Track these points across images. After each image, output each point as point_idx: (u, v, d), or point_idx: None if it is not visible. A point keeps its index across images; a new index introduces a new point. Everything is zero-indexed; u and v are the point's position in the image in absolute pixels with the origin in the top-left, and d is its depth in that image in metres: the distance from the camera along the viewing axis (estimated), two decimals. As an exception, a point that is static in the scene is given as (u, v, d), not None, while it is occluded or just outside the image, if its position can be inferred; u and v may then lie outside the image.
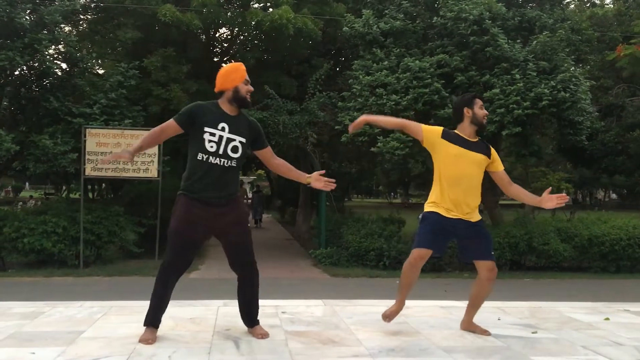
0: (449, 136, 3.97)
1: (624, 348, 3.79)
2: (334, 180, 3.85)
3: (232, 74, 3.72)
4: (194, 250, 3.79)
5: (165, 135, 3.75)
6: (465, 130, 4.03)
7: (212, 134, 3.60)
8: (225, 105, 3.71)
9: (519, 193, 4.08)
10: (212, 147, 3.59)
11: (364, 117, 4.06)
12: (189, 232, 3.64)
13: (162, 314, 3.77)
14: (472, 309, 4.14)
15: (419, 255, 3.88)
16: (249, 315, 3.93)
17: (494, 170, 4.07)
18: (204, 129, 3.60)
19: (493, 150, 4.14)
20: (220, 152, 3.60)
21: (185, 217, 3.63)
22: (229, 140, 3.62)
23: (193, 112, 3.66)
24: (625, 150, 19.05)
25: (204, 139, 3.59)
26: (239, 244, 3.79)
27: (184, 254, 3.70)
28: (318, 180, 3.84)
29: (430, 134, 3.99)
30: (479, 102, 4.07)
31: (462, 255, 4.26)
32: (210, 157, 3.60)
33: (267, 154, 3.91)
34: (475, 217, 3.99)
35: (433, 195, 4.01)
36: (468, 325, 4.14)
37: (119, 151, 3.62)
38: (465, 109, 4.04)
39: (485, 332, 4.06)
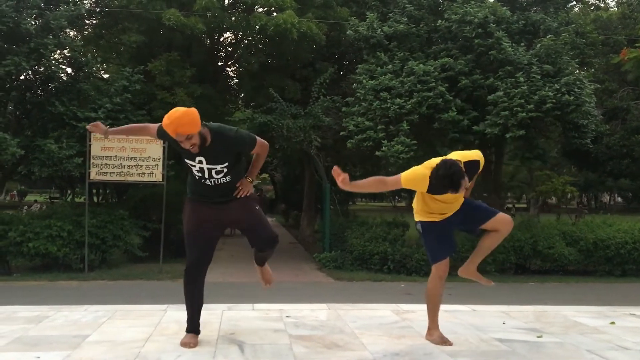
0: (434, 188, 3.67)
1: (630, 352, 3.77)
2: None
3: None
4: (209, 246, 3.84)
5: (144, 134, 4.03)
6: None
7: (193, 165, 3.63)
8: None
9: None
10: (199, 173, 3.65)
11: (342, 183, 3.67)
12: (200, 230, 3.76)
13: (198, 317, 3.85)
14: (479, 256, 4.11)
15: (444, 267, 3.89)
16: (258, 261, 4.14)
17: None
18: (184, 159, 3.65)
19: (481, 163, 3.87)
20: (207, 176, 3.64)
21: (193, 217, 3.77)
22: (211, 169, 3.61)
23: (165, 135, 3.54)
24: (630, 153, 18.97)
25: (189, 166, 3.66)
26: (253, 224, 3.84)
27: (200, 252, 3.79)
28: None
29: (410, 185, 3.75)
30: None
31: (470, 231, 4.20)
32: (202, 179, 3.67)
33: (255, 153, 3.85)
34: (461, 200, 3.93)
35: (418, 206, 3.98)
36: (469, 273, 4.15)
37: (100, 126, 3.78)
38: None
39: (489, 282, 4.19)
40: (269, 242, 3.90)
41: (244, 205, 3.79)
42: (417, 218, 4.02)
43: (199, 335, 3.85)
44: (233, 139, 3.59)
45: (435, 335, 3.87)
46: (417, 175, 3.71)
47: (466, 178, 3.56)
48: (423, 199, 3.92)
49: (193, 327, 3.81)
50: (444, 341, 3.81)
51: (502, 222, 3.94)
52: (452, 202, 3.86)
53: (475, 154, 3.85)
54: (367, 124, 11.89)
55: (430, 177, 3.60)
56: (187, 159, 3.63)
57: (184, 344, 3.68)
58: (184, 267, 3.84)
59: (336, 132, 13.28)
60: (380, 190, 3.98)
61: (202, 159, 3.57)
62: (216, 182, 3.66)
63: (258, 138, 3.78)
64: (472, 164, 3.76)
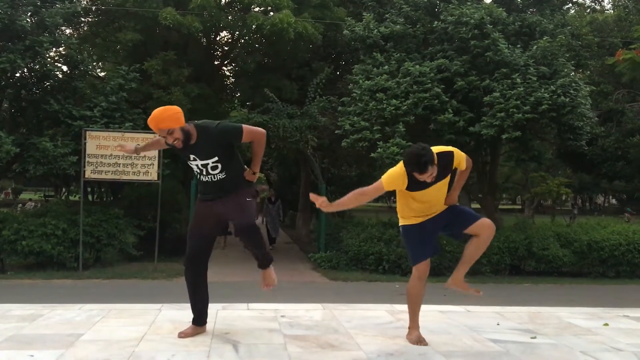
0: (412, 184, 3.76)
1: (623, 354, 3.78)
2: None
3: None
4: (205, 241, 3.95)
5: (160, 145, 4.09)
6: None
7: (191, 164, 3.83)
8: None
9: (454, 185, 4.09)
10: (197, 171, 3.83)
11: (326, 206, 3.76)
12: (197, 227, 3.93)
13: (200, 309, 3.96)
14: (465, 265, 4.09)
15: (424, 268, 3.92)
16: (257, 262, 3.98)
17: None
18: (182, 157, 3.93)
19: (456, 155, 3.87)
20: (204, 172, 3.79)
21: (195, 217, 4.01)
22: (204, 165, 3.76)
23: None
24: (625, 155, 19.06)
25: (191, 167, 3.87)
26: (234, 212, 3.77)
27: (194, 246, 3.91)
28: None
29: (391, 186, 3.83)
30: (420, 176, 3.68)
31: (454, 235, 4.24)
32: (201, 176, 3.83)
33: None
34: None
35: (401, 209, 4.04)
36: (457, 283, 4.12)
37: (129, 145, 4.17)
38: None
39: (477, 292, 4.15)
40: (242, 229, 3.75)
41: (235, 198, 3.81)
42: (400, 223, 4.07)
43: (196, 334, 3.86)
44: (215, 132, 3.69)
45: (413, 335, 3.90)
46: (396, 174, 3.78)
47: (435, 165, 3.60)
48: (405, 200, 3.95)
49: (195, 318, 3.97)
50: (419, 341, 3.84)
51: (483, 227, 3.92)
52: (431, 202, 3.90)
53: (450, 148, 3.92)
54: (363, 124, 11.89)
55: (404, 164, 3.68)
56: (186, 160, 3.84)
57: (180, 334, 3.85)
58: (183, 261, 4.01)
59: (332, 133, 13.28)
60: (364, 202, 4.01)
61: (194, 156, 3.75)
62: (213, 178, 3.79)
63: (246, 126, 3.81)
64: (444, 155, 3.79)
